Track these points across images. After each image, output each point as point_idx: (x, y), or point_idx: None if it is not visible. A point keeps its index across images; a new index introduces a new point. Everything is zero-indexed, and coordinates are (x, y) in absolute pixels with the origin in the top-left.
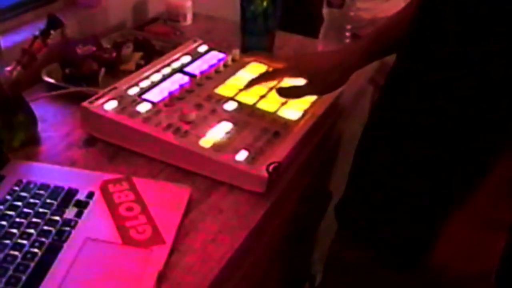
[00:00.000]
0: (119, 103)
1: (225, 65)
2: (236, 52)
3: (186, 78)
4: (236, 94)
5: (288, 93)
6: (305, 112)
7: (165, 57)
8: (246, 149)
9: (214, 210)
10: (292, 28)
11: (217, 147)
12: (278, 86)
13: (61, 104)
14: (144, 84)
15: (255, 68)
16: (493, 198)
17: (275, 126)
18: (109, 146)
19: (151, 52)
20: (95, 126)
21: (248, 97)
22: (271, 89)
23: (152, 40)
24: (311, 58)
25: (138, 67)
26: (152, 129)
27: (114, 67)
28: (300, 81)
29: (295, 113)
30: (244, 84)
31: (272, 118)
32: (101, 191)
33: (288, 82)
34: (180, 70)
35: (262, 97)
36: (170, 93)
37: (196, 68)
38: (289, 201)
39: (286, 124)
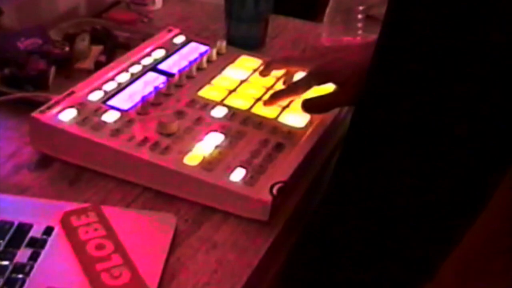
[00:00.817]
0: (79, 112)
1: (209, 61)
2: (222, 44)
3: (161, 78)
4: (225, 97)
5: (313, 106)
6: (312, 118)
7: (133, 51)
8: (242, 166)
9: (206, 244)
10: (286, 11)
11: (206, 165)
12: (303, 97)
13: (2, 114)
14: (109, 87)
15: (246, 63)
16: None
17: (277, 136)
18: (69, 167)
19: (114, 46)
20: (49, 143)
21: (241, 101)
22: (268, 89)
23: (113, 30)
24: (338, 55)
25: (98, 65)
26: (123, 144)
27: (67, 65)
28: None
29: (301, 119)
30: (264, 100)
31: (273, 126)
32: (62, 226)
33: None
34: (153, 68)
35: (258, 100)
36: (143, 98)
37: (173, 65)
38: (299, 231)
39: (290, 134)
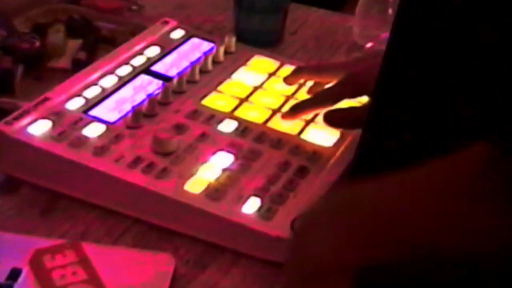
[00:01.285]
0: (55, 124)
1: (214, 61)
2: (231, 40)
3: (156, 83)
4: (235, 108)
5: (339, 120)
6: (343, 134)
7: (120, 48)
8: (257, 195)
9: None
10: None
11: (212, 192)
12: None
13: None
14: (92, 93)
15: (261, 64)
16: None
17: (299, 158)
18: (42, 193)
19: (95, 40)
20: (17, 162)
21: (254, 112)
22: (288, 99)
23: (95, 20)
24: (377, 62)
25: (77, 64)
26: (110, 165)
27: (38, 63)
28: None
29: (329, 136)
30: (284, 112)
31: (294, 145)
32: (32, 267)
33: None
34: (146, 70)
35: (276, 111)
36: (134, 108)
37: (170, 66)
38: None
39: (316, 154)
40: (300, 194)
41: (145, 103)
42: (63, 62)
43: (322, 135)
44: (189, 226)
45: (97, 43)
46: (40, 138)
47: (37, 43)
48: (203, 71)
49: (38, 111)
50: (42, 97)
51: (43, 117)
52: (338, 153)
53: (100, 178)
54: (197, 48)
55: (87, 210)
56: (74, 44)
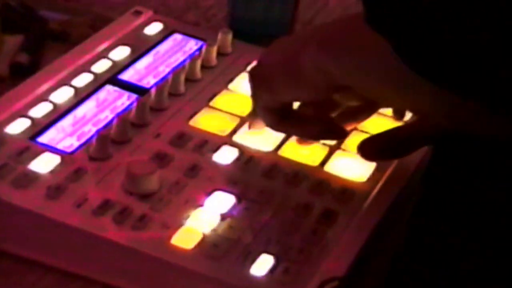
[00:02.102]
0: None
1: (205, 66)
2: (227, 36)
3: (126, 97)
4: (235, 130)
5: (377, 148)
6: (379, 165)
7: (77, 49)
8: (269, 251)
9: None
10: None
11: (209, 248)
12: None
13: None
14: (40, 111)
15: None
16: None
17: (324, 198)
18: None
19: (41, 36)
20: None
21: (261, 136)
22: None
23: (39, 9)
24: None
25: (17, 69)
26: (69, 212)
27: None
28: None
29: (361, 166)
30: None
31: (317, 180)
32: None
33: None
34: (112, 78)
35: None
36: (99, 132)
37: (144, 73)
38: None
39: (346, 193)
40: (327, 250)
41: (114, 125)
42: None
43: (352, 165)
44: None
45: (44, 40)
46: None
47: None
48: (190, 80)
49: None
50: None
51: None
52: (374, 191)
53: (56, 229)
54: (180, 48)
55: (37, 274)
56: (11, 41)
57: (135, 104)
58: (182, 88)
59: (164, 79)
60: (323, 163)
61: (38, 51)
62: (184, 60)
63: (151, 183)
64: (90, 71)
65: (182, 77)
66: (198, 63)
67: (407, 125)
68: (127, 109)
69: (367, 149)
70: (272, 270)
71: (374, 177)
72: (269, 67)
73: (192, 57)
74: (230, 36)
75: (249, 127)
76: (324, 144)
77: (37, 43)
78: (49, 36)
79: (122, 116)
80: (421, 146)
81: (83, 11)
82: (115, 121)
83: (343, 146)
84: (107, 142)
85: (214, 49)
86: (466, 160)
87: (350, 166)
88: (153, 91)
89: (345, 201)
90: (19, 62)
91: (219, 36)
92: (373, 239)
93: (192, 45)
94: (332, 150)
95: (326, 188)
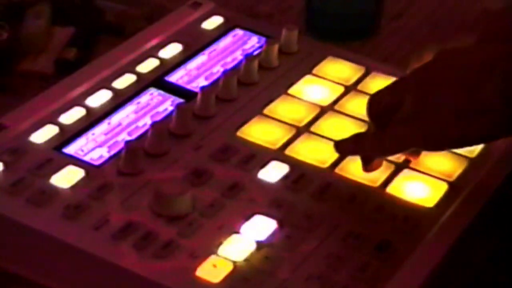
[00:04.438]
0: (8, 167)
1: (263, 67)
2: (292, 32)
3: (170, 102)
4: (288, 142)
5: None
6: (453, 186)
7: (124, 45)
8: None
9: None
10: None
11: (238, 282)
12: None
13: None
14: (71, 117)
15: (336, 71)
16: None
17: (381, 227)
18: None
19: (95, 28)
20: None
21: (317, 150)
22: None
23: None
24: None
25: (62, 67)
26: (86, 236)
27: (5, 64)
28: None
29: (429, 190)
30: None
31: (376, 205)
32: None
33: None
34: (157, 81)
35: None
36: (130, 144)
37: (194, 75)
38: None
39: (408, 220)
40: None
41: (150, 136)
42: (43, 63)
43: (419, 187)
44: None
45: (98, 33)
46: None
47: (5, 35)
48: (244, 83)
49: None
50: None
51: None
52: (443, 219)
53: (72, 255)
54: (240, 45)
55: None
56: (61, 34)
57: (175, 111)
58: (233, 92)
59: (214, 82)
60: (386, 183)
61: (90, 46)
62: (241, 61)
63: (181, 205)
64: (133, 72)
65: (234, 80)
66: (255, 64)
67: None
68: (168, 116)
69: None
70: None
71: (444, 202)
72: (439, 96)
73: (248, 57)
74: (295, 33)
75: (366, 169)
76: (389, 161)
77: (89, 36)
78: (104, 28)
79: (157, 124)
80: None
81: (140, 1)
82: (150, 130)
83: (411, 164)
84: (138, 155)
85: (275, 48)
86: None
87: (418, 188)
88: (199, 95)
89: (405, 230)
90: (66, 58)
91: (283, 32)
92: (434, 278)
93: (254, 42)
94: (398, 169)
95: (385, 214)
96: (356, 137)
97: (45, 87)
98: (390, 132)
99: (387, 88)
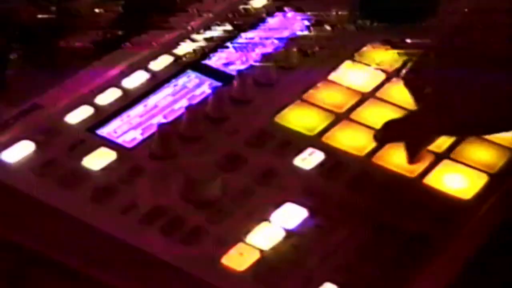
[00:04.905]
0: (41, 148)
1: (303, 51)
2: (341, 14)
3: (208, 85)
4: (327, 129)
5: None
6: (493, 178)
7: (170, 24)
8: (335, 280)
9: None
10: None
11: (263, 271)
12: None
13: None
14: (107, 98)
15: (380, 55)
16: None
17: (416, 218)
18: (9, 254)
19: (144, 4)
20: None
21: (356, 137)
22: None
23: None
24: None
25: (106, 43)
26: (112, 219)
27: (51, 41)
28: None
29: (468, 182)
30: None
31: (412, 196)
32: None
33: None
34: (196, 63)
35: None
36: (165, 126)
37: (236, 57)
38: None
39: (444, 212)
40: (408, 283)
41: (185, 119)
42: (87, 41)
43: (459, 178)
44: None
45: (147, 11)
46: (15, 170)
47: (53, 9)
48: (283, 67)
49: (19, 126)
50: (29, 103)
51: (25, 137)
52: (481, 211)
53: (97, 238)
54: (286, 27)
55: (75, 285)
56: (110, 12)
57: (211, 95)
58: (273, 76)
59: (255, 65)
60: (424, 174)
61: (136, 25)
62: (283, 42)
63: (211, 190)
64: (171, 54)
65: (273, 64)
66: (294, 46)
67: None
68: (204, 99)
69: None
70: None
71: (483, 194)
72: None
73: (291, 39)
74: (345, 13)
75: (410, 161)
76: (429, 151)
77: (136, 14)
78: (154, 7)
79: (192, 107)
80: None
81: None
82: (185, 114)
83: (452, 154)
84: (171, 138)
85: (313, 32)
86: None
87: (457, 179)
88: (236, 79)
89: (441, 222)
90: (110, 37)
91: (333, 13)
92: (469, 272)
93: (298, 24)
94: (438, 159)
95: (421, 205)
96: (394, 123)
97: (85, 65)
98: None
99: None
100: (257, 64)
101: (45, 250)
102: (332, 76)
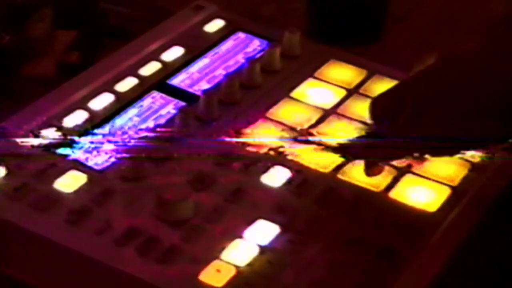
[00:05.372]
0: (11, 172)
1: (265, 70)
2: (293, 36)
3: (172, 105)
4: (290, 146)
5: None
6: (454, 189)
7: (127, 48)
8: None
9: None
10: None
11: (242, 284)
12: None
13: None
14: (74, 120)
15: (336, 75)
16: None
17: (385, 232)
18: None
19: (97, 31)
20: None
21: (320, 154)
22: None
23: (100, 2)
24: None
25: (67, 70)
26: (88, 242)
27: (7, 68)
28: None
29: (432, 195)
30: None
31: (379, 210)
32: None
33: None
34: (160, 84)
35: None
36: (133, 148)
37: (197, 77)
38: None
39: (411, 225)
40: None
41: (151, 140)
42: (45, 66)
43: (422, 192)
44: None
45: (102, 36)
46: None
47: (6, 38)
48: (246, 86)
49: None
50: None
51: None
52: (446, 223)
53: (74, 260)
54: (242, 48)
55: None
56: (64, 37)
57: (179, 113)
58: (236, 96)
59: (216, 85)
60: (389, 188)
61: (94, 49)
62: (243, 64)
63: (184, 210)
64: (136, 75)
65: (237, 84)
66: (257, 67)
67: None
68: (170, 120)
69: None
70: None
71: (447, 206)
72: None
73: (250, 60)
74: (298, 36)
75: (368, 174)
76: (392, 166)
77: (92, 39)
78: (108, 32)
79: (160, 129)
80: None
81: (144, 4)
82: (151, 134)
83: (414, 169)
84: (141, 161)
85: (277, 51)
86: None
87: (420, 193)
88: (202, 99)
89: (409, 235)
90: (68, 61)
91: (285, 36)
92: (438, 283)
93: (256, 45)
94: (400, 174)
95: (388, 219)
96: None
97: (47, 90)
98: (392, 136)
99: (389, 90)
100: (222, 83)
101: (21, 275)
102: (293, 94)
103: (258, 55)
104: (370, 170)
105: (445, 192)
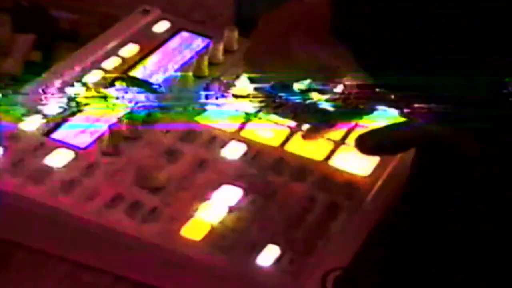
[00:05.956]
0: (7, 150)
1: (212, 63)
2: (232, 34)
3: (135, 93)
4: (242, 126)
5: (376, 143)
6: (382, 160)
7: (87, 47)
8: (275, 242)
9: None
10: None
11: (216, 239)
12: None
13: None
14: (53, 108)
15: None
16: None
17: (328, 192)
18: None
19: (52, 35)
20: None
21: (267, 131)
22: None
23: (50, 9)
24: None
25: (30, 68)
26: (82, 205)
27: None
28: None
29: (364, 161)
30: (306, 131)
31: (321, 175)
32: None
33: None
34: (123, 75)
35: (295, 129)
36: (111, 128)
37: (154, 70)
38: None
39: (350, 187)
40: (331, 241)
41: (124, 122)
42: (10, 65)
43: (355, 160)
44: (187, 284)
45: (55, 39)
46: None
47: None
48: (198, 76)
49: None
50: None
51: None
52: (377, 185)
53: (70, 222)
54: (188, 45)
55: (52, 266)
56: (23, 40)
57: (145, 100)
58: (191, 84)
59: (172, 77)
60: (328, 157)
61: (50, 50)
62: (192, 57)
63: (160, 178)
64: (100, 67)
65: (190, 73)
66: (205, 60)
67: (407, 122)
68: (137, 106)
69: (365, 143)
70: (277, 261)
71: (376, 172)
72: (260, 48)
73: (199, 54)
74: (235, 34)
75: (304, 137)
76: (328, 139)
77: (49, 42)
78: (60, 35)
79: (133, 113)
80: (420, 144)
81: (91, 10)
82: (124, 118)
83: (347, 141)
84: (119, 138)
85: (221, 46)
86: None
87: (354, 161)
88: (162, 88)
89: (348, 194)
90: (33, 60)
91: (225, 33)
92: (375, 230)
93: (199, 42)
94: (336, 145)
95: (330, 182)
96: None
97: (15, 86)
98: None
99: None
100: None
101: (24, 238)
102: (241, 80)
103: (203, 50)
104: (308, 135)
105: (375, 160)
